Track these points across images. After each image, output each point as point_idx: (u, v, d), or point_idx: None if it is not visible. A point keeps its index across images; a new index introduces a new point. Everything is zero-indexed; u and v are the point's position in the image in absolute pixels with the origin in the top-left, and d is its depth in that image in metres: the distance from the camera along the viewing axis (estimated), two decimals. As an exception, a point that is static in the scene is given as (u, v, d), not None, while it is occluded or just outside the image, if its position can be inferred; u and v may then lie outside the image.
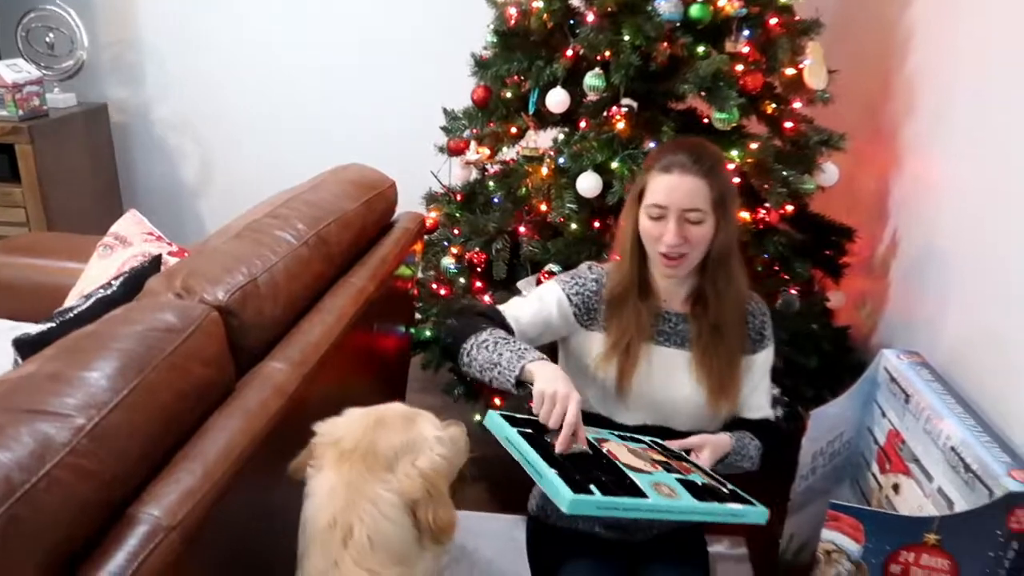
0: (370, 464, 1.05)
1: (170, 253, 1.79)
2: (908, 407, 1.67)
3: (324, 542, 1.02)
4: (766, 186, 1.98)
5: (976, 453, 1.43)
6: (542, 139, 2.17)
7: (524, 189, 2.04)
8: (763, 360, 1.66)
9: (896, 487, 1.69)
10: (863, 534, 1.41)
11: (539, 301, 1.59)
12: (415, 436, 1.11)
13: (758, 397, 1.66)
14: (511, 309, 1.59)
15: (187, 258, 1.39)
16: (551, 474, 1.13)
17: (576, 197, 1.92)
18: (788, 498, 1.84)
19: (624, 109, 1.87)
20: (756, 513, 1.35)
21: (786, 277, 2.15)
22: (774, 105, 2.05)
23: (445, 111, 2.29)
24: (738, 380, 1.60)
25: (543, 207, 2.03)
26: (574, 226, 1.99)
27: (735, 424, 1.64)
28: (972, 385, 1.68)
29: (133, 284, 1.47)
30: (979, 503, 1.37)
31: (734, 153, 1.97)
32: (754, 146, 1.94)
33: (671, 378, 1.60)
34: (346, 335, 1.45)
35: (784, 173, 1.96)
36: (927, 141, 2.07)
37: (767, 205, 1.99)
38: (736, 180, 1.97)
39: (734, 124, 1.88)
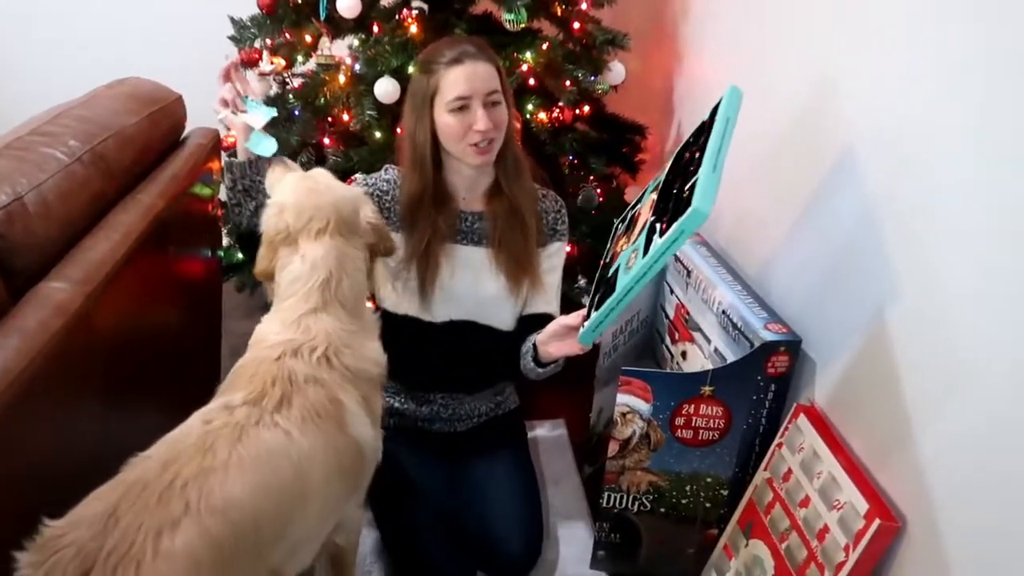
0: (344, 233, 1.36)
1: (-77, 184, 1.61)
2: (690, 281, 1.86)
3: (315, 292, 1.31)
4: (564, 85, 2.06)
5: (741, 313, 1.63)
6: (337, 48, 2.12)
7: (323, 99, 2.00)
8: (553, 252, 1.74)
9: (684, 354, 1.89)
10: (651, 394, 1.58)
11: None
12: (357, 195, 1.44)
13: (546, 290, 1.73)
14: None
15: (-63, 182, 1.26)
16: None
17: (375, 103, 1.91)
18: (595, 375, 2.01)
19: (415, 11, 1.87)
20: (694, 217, 1.15)
21: (591, 178, 2.27)
22: (563, 7, 2.12)
23: (232, 20, 2.17)
24: (535, 264, 1.70)
25: (344, 116, 2.01)
26: (377, 134, 1.99)
27: (523, 327, 1.70)
28: (743, 259, 1.89)
29: None
30: (744, 355, 1.57)
31: (528, 55, 2.03)
32: (545, 47, 2.01)
33: (473, 274, 1.67)
34: (137, 254, 1.38)
35: (575, 73, 2.04)
36: (699, 40, 2.23)
37: (560, 104, 2.08)
38: (531, 81, 2.06)
39: (523, 24, 1.93)
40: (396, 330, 1.69)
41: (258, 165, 1.54)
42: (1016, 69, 1.04)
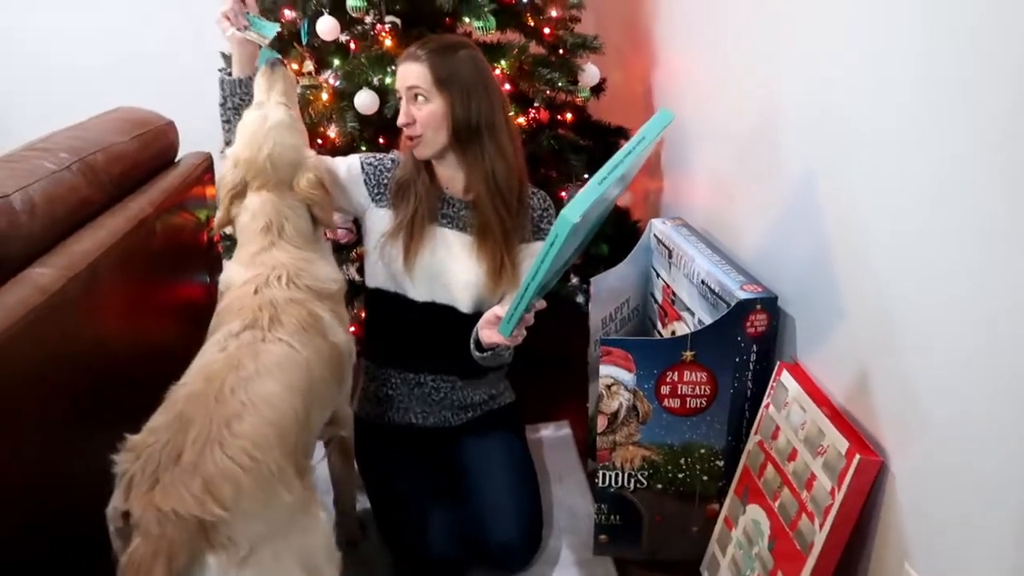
0: (281, 188, 1.53)
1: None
2: (672, 260, 1.88)
3: (260, 236, 1.50)
4: (540, 89, 2.13)
5: (718, 279, 1.65)
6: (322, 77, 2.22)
7: (309, 117, 2.09)
8: (536, 251, 1.76)
9: (673, 333, 1.90)
10: (633, 363, 1.58)
11: (337, 161, 1.74)
12: (300, 160, 1.56)
13: None
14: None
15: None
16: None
17: (357, 116, 2.00)
18: (587, 362, 2.02)
19: (388, 26, 1.96)
20: (561, 223, 1.20)
21: (577, 181, 2.31)
22: (535, 17, 2.20)
23: (224, 55, 2.29)
24: (514, 262, 1.73)
25: (331, 133, 2.10)
26: (363, 147, 2.06)
27: None
28: (718, 232, 1.92)
29: None
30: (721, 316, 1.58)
31: (503, 63, 2.11)
32: (515, 52, 2.09)
33: (453, 258, 1.71)
34: (124, 251, 1.45)
35: (548, 76, 2.11)
36: (671, 40, 2.30)
37: (536, 105, 2.14)
38: (507, 86, 2.13)
39: (493, 30, 2.01)
40: (382, 307, 1.76)
41: (248, 84, 1.63)
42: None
